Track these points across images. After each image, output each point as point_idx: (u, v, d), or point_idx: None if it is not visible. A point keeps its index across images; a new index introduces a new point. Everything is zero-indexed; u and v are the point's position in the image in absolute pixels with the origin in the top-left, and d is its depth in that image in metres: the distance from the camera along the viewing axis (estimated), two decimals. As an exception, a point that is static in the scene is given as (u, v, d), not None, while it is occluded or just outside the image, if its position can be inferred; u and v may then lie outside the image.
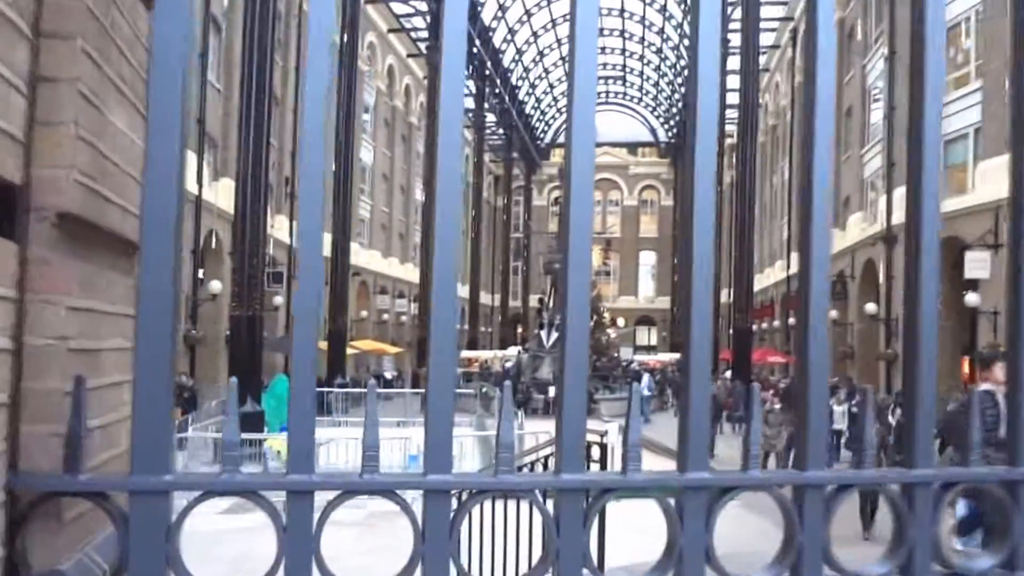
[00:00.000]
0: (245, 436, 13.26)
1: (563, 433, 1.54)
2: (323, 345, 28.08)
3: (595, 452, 5.85)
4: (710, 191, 1.67)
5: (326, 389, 23.95)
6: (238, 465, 1.45)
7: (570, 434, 1.54)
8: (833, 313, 28.53)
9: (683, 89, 55.62)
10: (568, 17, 1.57)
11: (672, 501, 1.58)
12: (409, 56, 45.71)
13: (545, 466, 5.88)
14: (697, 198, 1.65)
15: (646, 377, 28.23)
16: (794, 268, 36.44)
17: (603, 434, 5.44)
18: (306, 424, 1.46)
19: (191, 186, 20.75)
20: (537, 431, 12.41)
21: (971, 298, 19.39)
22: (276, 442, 13.83)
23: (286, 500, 1.45)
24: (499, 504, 5.55)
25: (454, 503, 1.54)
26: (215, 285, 20.08)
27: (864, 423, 1.73)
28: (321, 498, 1.47)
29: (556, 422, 1.56)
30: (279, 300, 27.00)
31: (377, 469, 1.48)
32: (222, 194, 21.08)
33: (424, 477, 1.48)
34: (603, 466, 5.51)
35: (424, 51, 42.51)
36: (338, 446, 12.27)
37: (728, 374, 31.98)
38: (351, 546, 9.14)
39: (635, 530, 9.83)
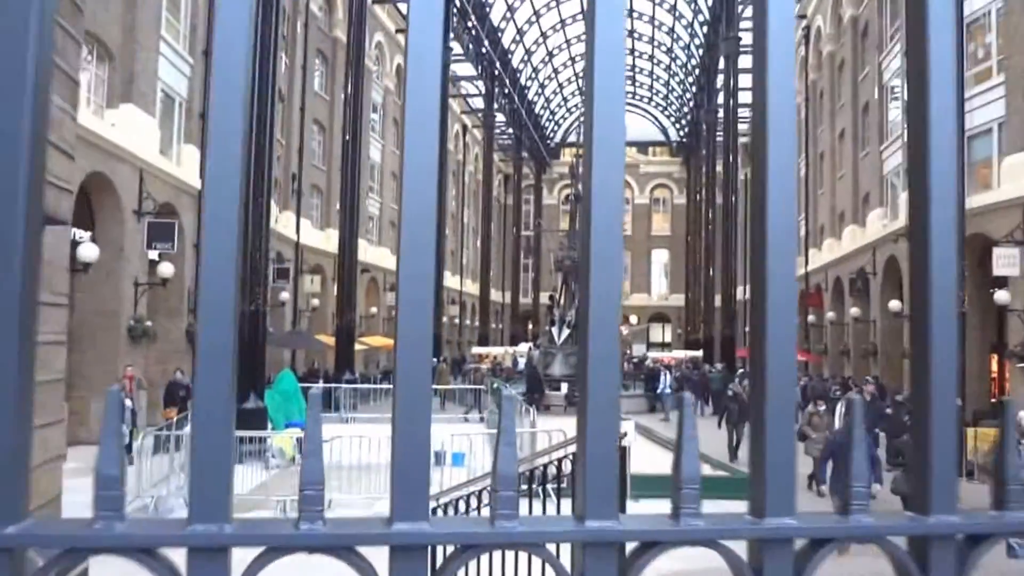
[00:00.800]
0: (248, 434, 12.84)
1: (587, 467, 1.09)
2: (331, 341, 27.82)
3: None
4: (791, 176, 1.23)
5: (334, 385, 23.62)
6: (120, 509, 1.00)
7: (597, 468, 1.09)
8: (855, 310, 27.97)
9: (694, 88, 55.31)
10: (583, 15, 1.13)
11: (745, 556, 1.13)
12: (418, 55, 45.36)
13: (559, 471, 5.40)
14: (771, 179, 1.20)
15: (668, 375, 27.70)
16: (813, 264, 35.98)
17: (621, 435, 4.92)
18: (217, 456, 1.01)
19: (194, 180, 20.37)
20: (550, 428, 11.94)
21: (1000, 295, 18.78)
22: (280, 439, 13.45)
23: (187, 559, 0.99)
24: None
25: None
26: (218, 281, 19.60)
27: (1004, 447, 1.26)
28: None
29: (577, 453, 1.10)
30: (285, 295, 26.70)
31: (321, 515, 1.02)
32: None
33: (389, 527, 1.03)
34: (622, 471, 5.00)
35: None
36: (342, 444, 11.82)
37: (741, 372, 31.50)
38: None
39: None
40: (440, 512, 5.74)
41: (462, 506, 5.54)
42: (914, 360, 1.24)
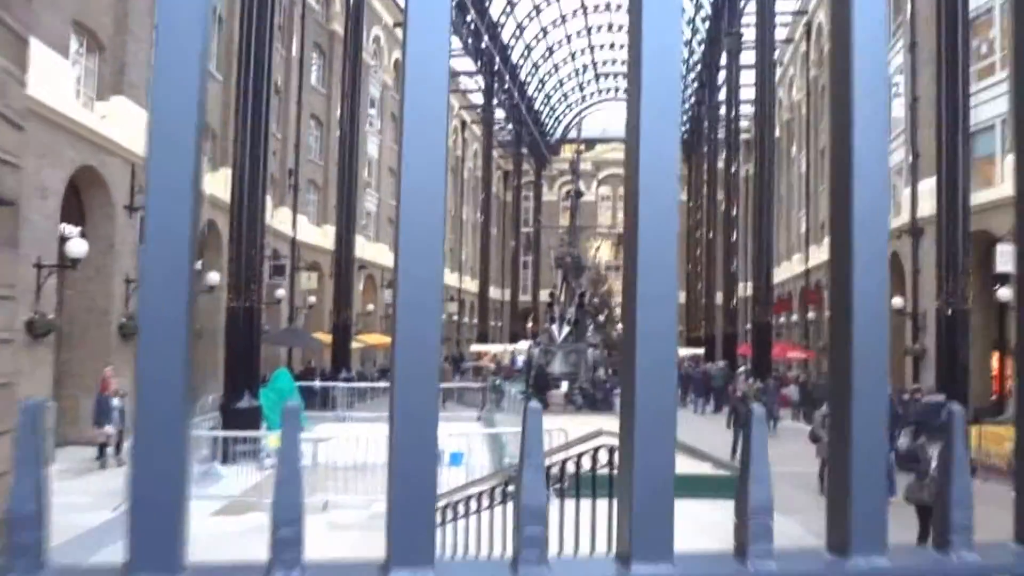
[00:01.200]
0: (241, 434, 12.62)
1: (635, 497, 0.87)
2: (327, 338, 27.58)
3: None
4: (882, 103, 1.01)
5: (331, 383, 23.39)
6: (40, 555, 0.78)
7: (648, 498, 0.87)
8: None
9: (695, 85, 55.12)
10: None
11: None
12: (417, 52, 45.27)
13: (563, 473, 5.18)
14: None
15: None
16: (813, 260, 35.73)
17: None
18: (165, 484, 0.79)
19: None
20: (551, 427, 11.72)
21: (1003, 292, 18.64)
22: (275, 439, 13.18)
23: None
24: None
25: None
26: (213, 276, 19.47)
27: None
28: None
29: (621, 478, 0.89)
30: (281, 292, 26.43)
31: (299, 561, 0.80)
32: (222, 184, 20.48)
33: (385, 576, 0.81)
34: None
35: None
36: (338, 444, 11.58)
37: (741, 370, 31.28)
38: (353, 552, 8.52)
39: (695, 529, 9.17)
40: (437, 516, 5.53)
41: (461, 509, 5.32)
42: (1019, 345, 1.03)
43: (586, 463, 4.79)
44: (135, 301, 17.26)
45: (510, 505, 4.88)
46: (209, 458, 12.50)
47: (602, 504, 4.34)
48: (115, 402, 13.81)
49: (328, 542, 9.02)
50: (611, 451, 4.61)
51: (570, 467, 5.07)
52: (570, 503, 4.76)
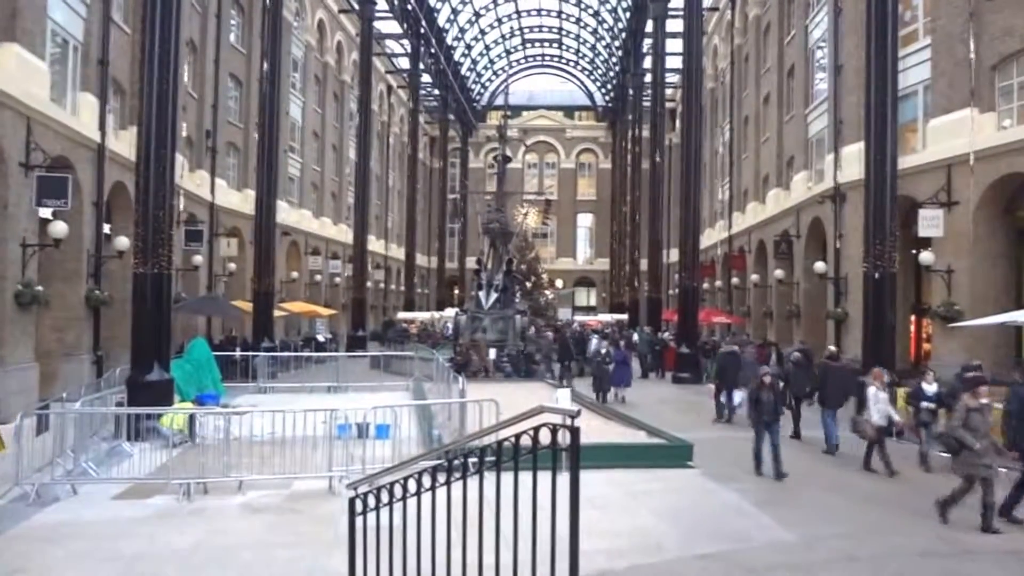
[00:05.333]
0: (148, 411, 11.72)
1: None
2: (248, 307, 26.54)
3: (563, 437, 4.66)
4: None
5: (251, 353, 22.42)
6: None
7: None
8: (778, 272, 28.11)
9: (620, 53, 55.01)
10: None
11: None
12: (341, 12, 43.85)
13: (499, 448, 4.70)
14: None
15: (596, 339, 27.28)
16: (737, 227, 36.07)
17: (573, 415, 4.28)
18: None
19: (92, 132, 18.83)
20: (481, 398, 11.28)
21: (925, 256, 18.94)
22: (167, 419, 12.14)
23: None
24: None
25: None
26: (122, 241, 18.22)
27: None
28: None
29: None
30: (199, 259, 25.17)
31: None
32: (131, 144, 19.20)
33: None
34: (575, 454, 4.35)
35: (356, 7, 40.50)
36: (253, 418, 10.88)
37: (667, 335, 31.38)
38: (269, 536, 7.95)
39: (586, 504, 8.86)
40: (360, 503, 5.00)
41: (385, 496, 4.81)
42: None
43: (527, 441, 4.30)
44: (34, 267, 16.07)
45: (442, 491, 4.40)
46: (114, 436, 11.63)
47: (543, 477, 3.92)
48: None
49: (242, 528, 8.39)
50: (554, 430, 4.16)
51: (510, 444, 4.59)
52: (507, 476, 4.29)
